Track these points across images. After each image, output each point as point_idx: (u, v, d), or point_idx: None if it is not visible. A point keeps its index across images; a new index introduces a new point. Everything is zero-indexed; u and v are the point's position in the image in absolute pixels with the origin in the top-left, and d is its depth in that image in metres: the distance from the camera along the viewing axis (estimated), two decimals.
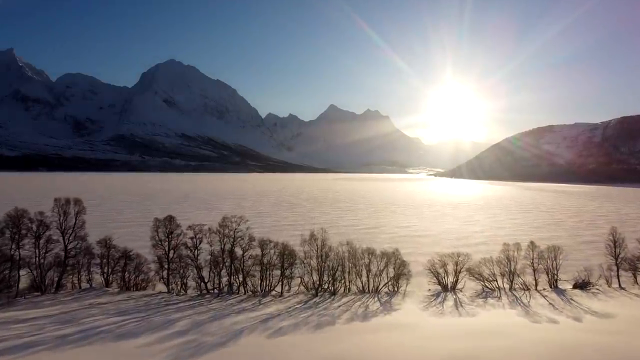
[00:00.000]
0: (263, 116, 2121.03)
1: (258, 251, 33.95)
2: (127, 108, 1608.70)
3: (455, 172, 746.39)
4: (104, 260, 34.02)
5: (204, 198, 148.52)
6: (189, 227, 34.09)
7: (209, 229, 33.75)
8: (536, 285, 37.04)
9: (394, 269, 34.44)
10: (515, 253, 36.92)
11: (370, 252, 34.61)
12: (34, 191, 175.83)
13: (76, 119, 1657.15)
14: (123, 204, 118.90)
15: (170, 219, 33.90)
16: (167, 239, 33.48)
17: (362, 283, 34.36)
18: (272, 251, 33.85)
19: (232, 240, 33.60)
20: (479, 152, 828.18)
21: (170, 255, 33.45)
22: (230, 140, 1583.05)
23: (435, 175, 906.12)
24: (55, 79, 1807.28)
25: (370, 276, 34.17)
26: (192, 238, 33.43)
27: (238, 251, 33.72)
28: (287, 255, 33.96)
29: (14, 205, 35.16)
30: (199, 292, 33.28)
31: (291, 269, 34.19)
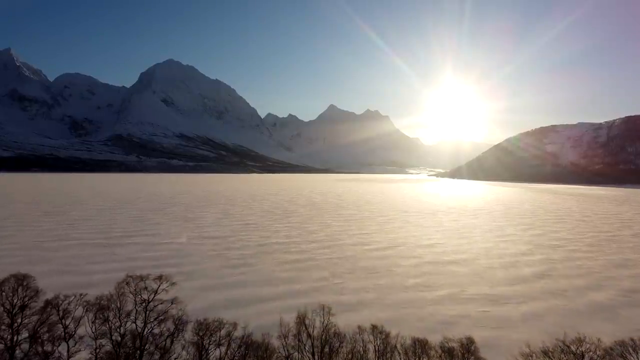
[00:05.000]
0: (262, 116, 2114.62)
1: (196, 339, 17.23)
2: (125, 108, 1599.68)
3: (456, 173, 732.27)
4: None
5: (189, 204, 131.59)
6: (54, 298, 17.09)
7: (98, 302, 16.88)
8: None
9: None
10: None
11: (421, 344, 17.69)
12: None
13: (74, 119, 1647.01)
14: (89, 213, 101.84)
15: (19, 281, 17.04)
16: (9, 325, 16.78)
17: None
18: (221, 347, 17.11)
19: (142, 320, 16.86)
20: (479, 152, 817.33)
21: (19, 354, 16.71)
22: (229, 140, 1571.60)
23: (436, 175, 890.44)
24: (52, 78, 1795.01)
25: None
26: (56, 323, 16.67)
27: (152, 345, 16.96)
28: (254, 351, 17.24)
29: None
30: None
31: None
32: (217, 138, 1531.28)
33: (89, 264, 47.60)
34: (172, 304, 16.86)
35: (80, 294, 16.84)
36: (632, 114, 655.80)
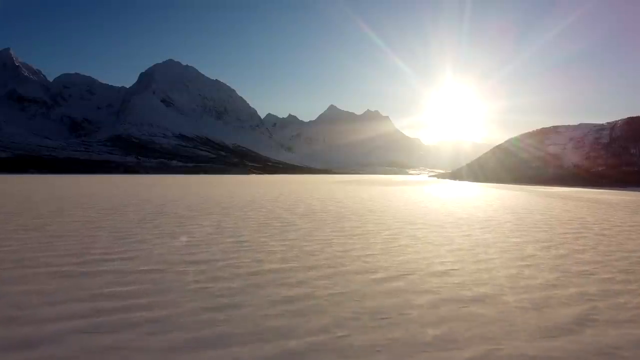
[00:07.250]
0: (262, 116, 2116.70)
1: None
2: (125, 108, 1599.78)
3: (457, 174, 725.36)
4: None
5: (181, 213, 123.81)
6: None
7: None
8: None
9: None
10: None
11: None
12: None
13: (73, 119, 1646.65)
14: (70, 227, 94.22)
15: None
16: None
17: None
18: None
19: None
20: (480, 152, 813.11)
21: None
22: (228, 140, 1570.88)
23: (437, 176, 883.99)
24: (52, 79, 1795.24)
25: None
26: None
27: None
28: None
29: None
30: None
31: None
32: (217, 138, 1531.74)
33: (45, 304, 40.03)
34: None
35: None
36: (635, 115, 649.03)
